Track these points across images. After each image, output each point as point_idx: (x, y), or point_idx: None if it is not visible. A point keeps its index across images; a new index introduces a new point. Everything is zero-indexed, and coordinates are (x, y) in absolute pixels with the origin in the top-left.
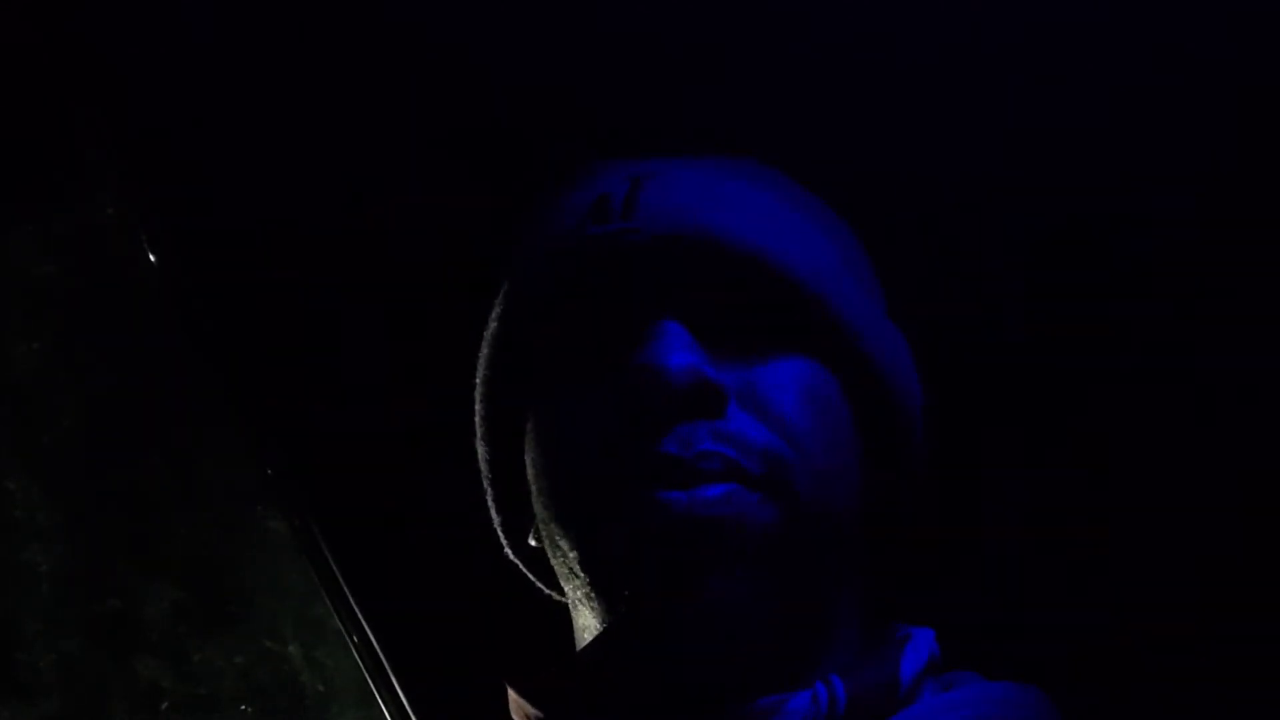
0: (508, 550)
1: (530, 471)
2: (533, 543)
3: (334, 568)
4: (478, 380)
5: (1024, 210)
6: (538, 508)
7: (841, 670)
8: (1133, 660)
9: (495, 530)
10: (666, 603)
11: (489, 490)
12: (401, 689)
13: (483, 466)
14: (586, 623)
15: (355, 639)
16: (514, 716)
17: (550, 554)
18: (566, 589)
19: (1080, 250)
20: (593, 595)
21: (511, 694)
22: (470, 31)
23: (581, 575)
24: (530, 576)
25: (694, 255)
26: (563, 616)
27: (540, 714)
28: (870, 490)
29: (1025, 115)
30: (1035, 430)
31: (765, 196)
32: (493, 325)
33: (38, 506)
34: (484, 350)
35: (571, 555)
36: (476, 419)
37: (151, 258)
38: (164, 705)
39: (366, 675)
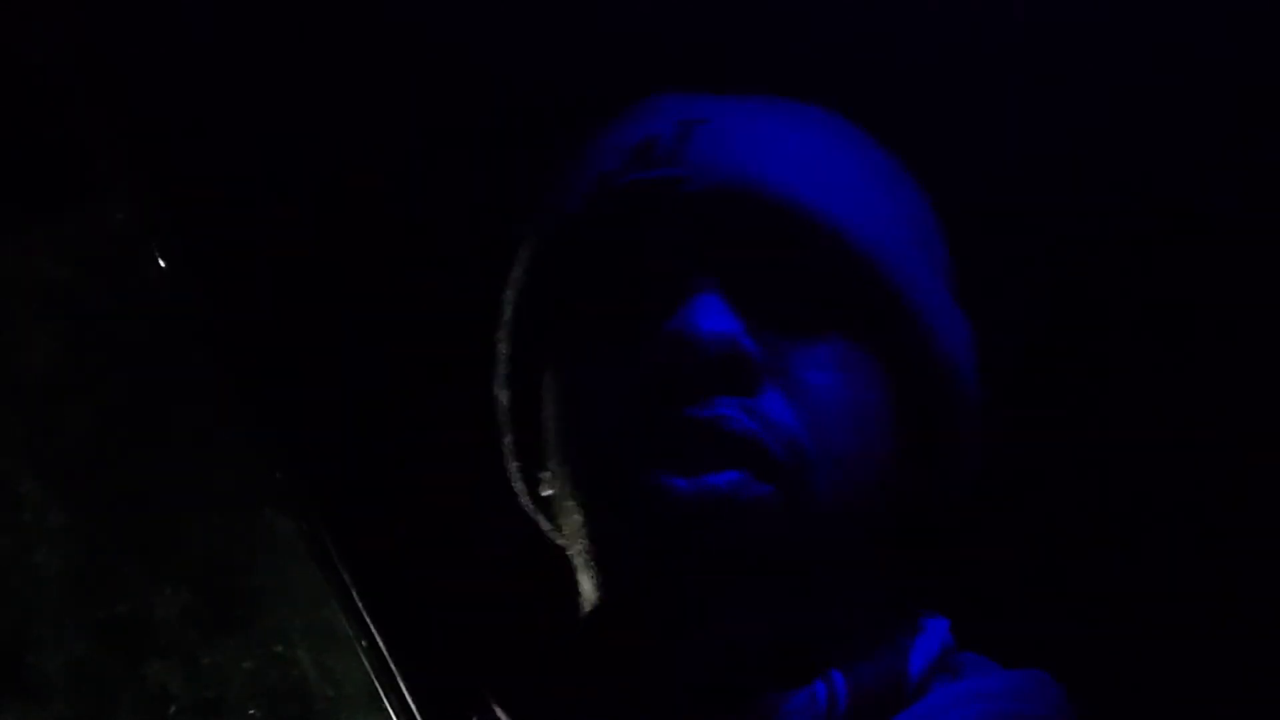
0: (522, 498)
1: (548, 426)
2: (546, 493)
3: (343, 572)
4: (502, 322)
5: (1023, 210)
6: (552, 465)
7: (845, 665)
8: (1145, 643)
9: (510, 478)
10: (660, 605)
11: (508, 436)
12: (410, 695)
13: (501, 413)
14: (585, 589)
15: (364, 643)
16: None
17: (559, 512)
18: (570, 550)
19: (1080, 250)
20: (591, 565)
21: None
22: (470, 31)
23: (583, 543)
24: (543, 526)
25: (742, 211)
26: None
27: None
28: (903, 492)
29: (1025, 115)
30: (1043, 417)
31: (831, 151)
32: (519, 270)
33: (48, 509)
34: (509, 294)
35: (577, 519)
36: (499, 362)
37: (161, 262)
38: (172, 709)
39: (375, 680)
